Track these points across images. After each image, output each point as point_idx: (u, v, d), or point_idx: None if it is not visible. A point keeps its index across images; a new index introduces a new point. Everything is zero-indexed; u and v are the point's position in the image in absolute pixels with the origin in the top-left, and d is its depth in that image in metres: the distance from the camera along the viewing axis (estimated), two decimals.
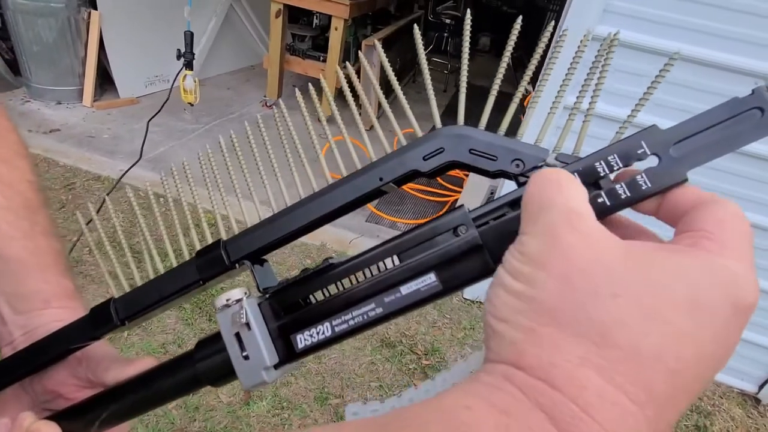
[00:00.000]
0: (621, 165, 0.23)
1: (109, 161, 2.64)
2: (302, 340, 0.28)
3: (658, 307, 0.18)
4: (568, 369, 0.18)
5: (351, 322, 0.27)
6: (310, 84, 0.33)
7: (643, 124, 0.23)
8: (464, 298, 2.11)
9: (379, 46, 0.31)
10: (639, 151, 0.22)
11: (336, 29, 3.22)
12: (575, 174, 0.23)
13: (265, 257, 0.32)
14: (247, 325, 0.29)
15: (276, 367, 0.29)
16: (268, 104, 3.60)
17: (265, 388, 1.62)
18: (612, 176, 0.23)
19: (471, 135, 0.26)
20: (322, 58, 3.47)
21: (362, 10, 3.48)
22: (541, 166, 0.24)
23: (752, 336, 1.78)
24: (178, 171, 0.36)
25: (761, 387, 1.88)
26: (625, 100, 1.46)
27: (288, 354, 0.29)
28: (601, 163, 0.23)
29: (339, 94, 3.64)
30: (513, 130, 0.27)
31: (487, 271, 0.24)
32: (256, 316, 0.29)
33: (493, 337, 0.20)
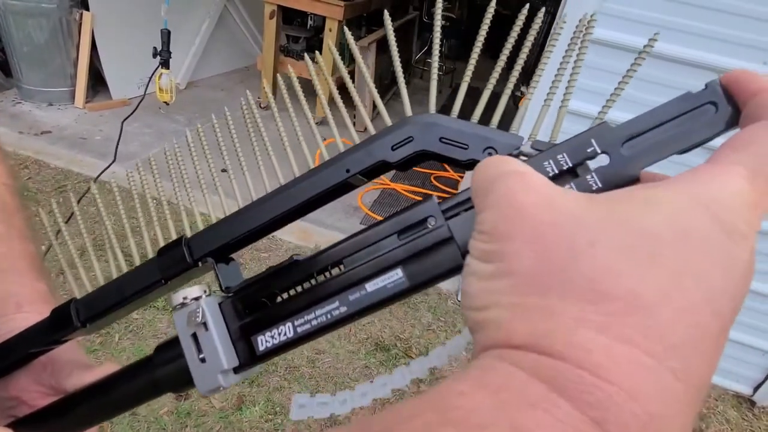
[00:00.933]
0: (570, 164, 0.21)
1: (101, 163, 2.60)
2: (263, 341, 0.26)
3: (644, 245, 0.16)
4: (565, 334, 0.16)
5: (314, 322, 0.25)
6: (279, 77, 0.31)
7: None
8: (459, 301, 2.10)
9: (348, 32, 0.30)
10: (589, 150, 0.21)
11: (330, 30, 3.21)
12: None
13: (233, 256, 0.30)
14: (204, 325, 0.27)
15: (236, 371, 0.27)
16: (262, 105, 3.59)
17: (258, 393, 1.61)
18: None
19: (441, 123, 0.24)
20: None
21: (356, 12, 3.47)
22: (516, 155, 0.23)
23: (746, 338, 1.78)
24: (141, 164, 0.35)
25: (756, 389, 1.88)
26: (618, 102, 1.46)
27: (249, 357, 0.27)
28: (549, 162, 0.21)
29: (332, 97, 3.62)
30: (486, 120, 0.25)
31: (458, 266, 0.23)
32: (215, 316, 0.27)
33: (479, 329, 0.18)
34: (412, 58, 4.98)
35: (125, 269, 0.33)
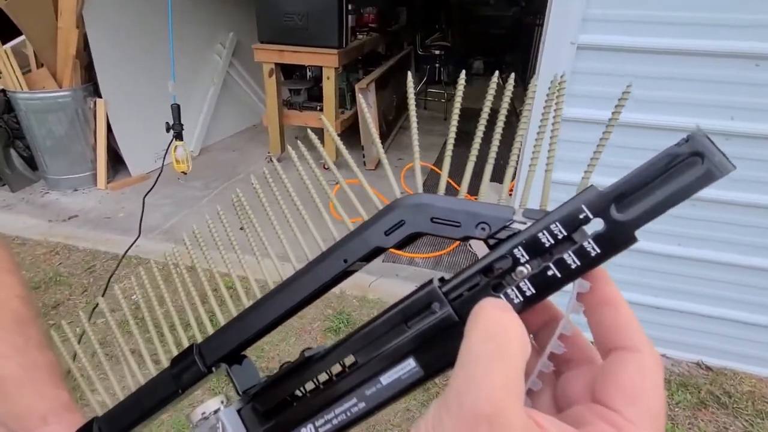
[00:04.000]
0: (565, 233, 0.21)
1: (126, 239, 2.68)
2: None
3: None
4: None
5: (335, 422, 0.25)
6: (309, 131, 0.31)
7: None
8: None
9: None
10: (581, 216, 0.21)
11: (328, 78, 3.30)
12: (525, 262, 0.22)
13: (245, 353, 0.31)
14: None
15: None
16: (272, 160, 3.67)
17: None
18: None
19: (430, 203, 0.25)
20: (319, 108, 3.55)
21: (351, 57, 3.57)
22: (510, 225, 0.23)
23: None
24: (189, 238, 0.36)
25: None
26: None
27: None
28: (544, 233, 0.22)
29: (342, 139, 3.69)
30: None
31: None
32: (235, 427, 0.28)
33: None
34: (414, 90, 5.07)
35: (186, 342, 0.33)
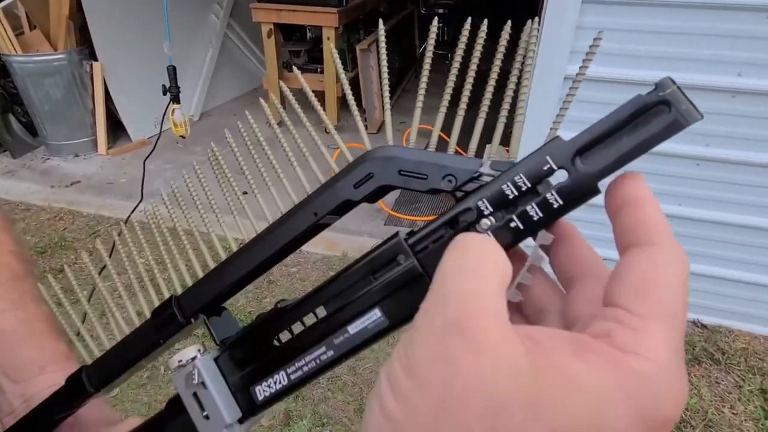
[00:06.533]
0: (529, 185, 0.21)
1: (129, 204, 2.70)
2: (261, 391, 0.28)
3: None
4: None
5: (305, 369, 0.26)
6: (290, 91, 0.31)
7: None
8: None
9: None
10: (545, 168, 0.21)
11: (328, 39, 3.22)
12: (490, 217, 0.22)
13: (224, 305, 0.32)
14: (203, 384, 0.29)
15: (240, 421, 0.29)
16: (268, 123, 3.63)
17: (303, 407, 1.62)
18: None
19: (399, 155, 0.25)
20: (319, 70, 3.48)
21: (352, 16, 3.46)
22: (478, 176, 0.23)
23: None
24: (168, 196, 0.37)
25: None
26: (626, 60, 1.39)
27: (250, 407, 0.28)
28: (508, 185, 0.21)
29: (343, 103, 3.65)
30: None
31: None
32: (212, 374, 0.29)
33: None
34: (416, 51, 4.94)
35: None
